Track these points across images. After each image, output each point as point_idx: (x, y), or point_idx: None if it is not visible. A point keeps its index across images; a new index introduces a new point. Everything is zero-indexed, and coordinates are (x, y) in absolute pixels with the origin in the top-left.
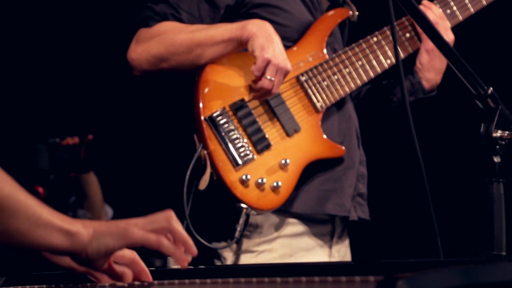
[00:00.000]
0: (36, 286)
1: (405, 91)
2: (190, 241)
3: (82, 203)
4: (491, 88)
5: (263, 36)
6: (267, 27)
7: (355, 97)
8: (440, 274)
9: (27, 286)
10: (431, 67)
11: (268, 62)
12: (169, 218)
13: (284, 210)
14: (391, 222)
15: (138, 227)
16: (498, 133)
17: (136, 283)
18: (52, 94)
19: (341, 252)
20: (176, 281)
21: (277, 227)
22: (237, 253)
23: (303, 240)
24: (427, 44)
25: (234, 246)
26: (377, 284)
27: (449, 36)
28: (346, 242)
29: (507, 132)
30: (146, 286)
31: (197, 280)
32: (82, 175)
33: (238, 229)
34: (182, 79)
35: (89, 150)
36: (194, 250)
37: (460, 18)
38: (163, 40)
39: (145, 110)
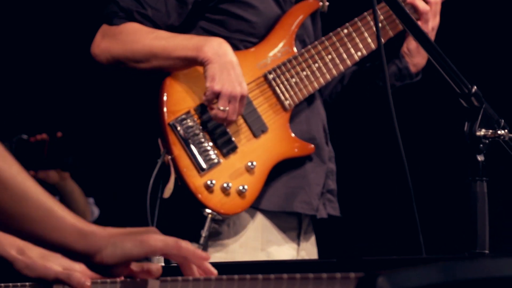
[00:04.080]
0: (19, 284)
1: (388, 85)
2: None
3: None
4: (475, 87)
5: (217, 63)
6: (224, 49)
7: (338, 82)
8: (420, 270)
9: (10, 284)
10: (419, 52)
11: (218, 94)
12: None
13: (252, 205)
14: (374, 220)
15: (159, 235)
16: (482, 132)
17: (128, 280)
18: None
19: (308, 246)
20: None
21: (246, 221)
22: (206, 249)
23: (271, 234)
24: None
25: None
26: (358, 281)
27: (436, 21)
28: (312, 238)
29: (490, 130)
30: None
31: (168, 278)
32: (59, 186)
33: (203, 235)
34: (146, 82)
35: (55, 146)
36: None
37: None
38: (123, 43)
39: (109, 111)
